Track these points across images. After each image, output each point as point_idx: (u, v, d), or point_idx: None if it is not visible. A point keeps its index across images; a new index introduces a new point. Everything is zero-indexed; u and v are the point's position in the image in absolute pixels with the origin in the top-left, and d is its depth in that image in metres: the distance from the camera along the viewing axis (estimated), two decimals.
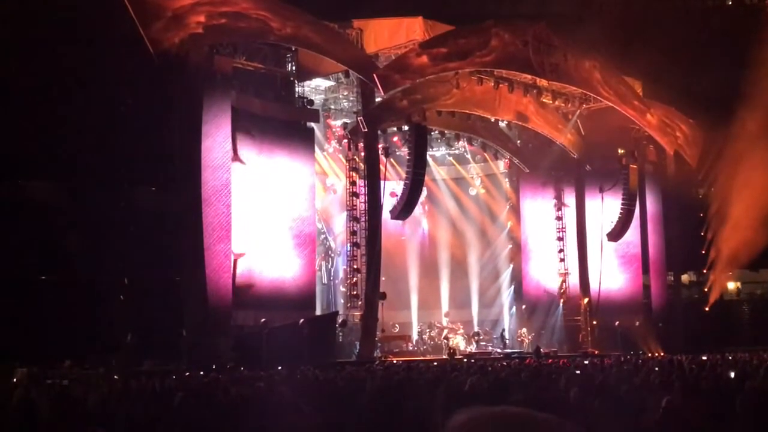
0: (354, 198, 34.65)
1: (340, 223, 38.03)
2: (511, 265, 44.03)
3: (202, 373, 21.61)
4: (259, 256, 31.05)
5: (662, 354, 35.94)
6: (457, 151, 44.39)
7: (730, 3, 54.35)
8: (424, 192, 37.99)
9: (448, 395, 11.46)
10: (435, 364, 25.94)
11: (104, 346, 28.73)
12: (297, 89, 33.94)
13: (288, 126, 33.05)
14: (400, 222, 36.93)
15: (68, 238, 31.59)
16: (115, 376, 20.35)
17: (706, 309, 45.81)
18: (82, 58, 29.55)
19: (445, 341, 38.35)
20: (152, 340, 28.83)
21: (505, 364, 24.73)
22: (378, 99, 34.15)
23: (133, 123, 30.72)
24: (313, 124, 34.62)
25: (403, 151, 36.67)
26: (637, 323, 40.62)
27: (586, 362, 24.86)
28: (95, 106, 30.78)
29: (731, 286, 52.02)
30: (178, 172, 30.26)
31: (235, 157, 30.06)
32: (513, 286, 43.90)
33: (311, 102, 34.69)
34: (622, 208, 39.54)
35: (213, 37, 29.28)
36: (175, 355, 28.19)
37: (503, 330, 41.70)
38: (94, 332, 29.19)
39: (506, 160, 43.85)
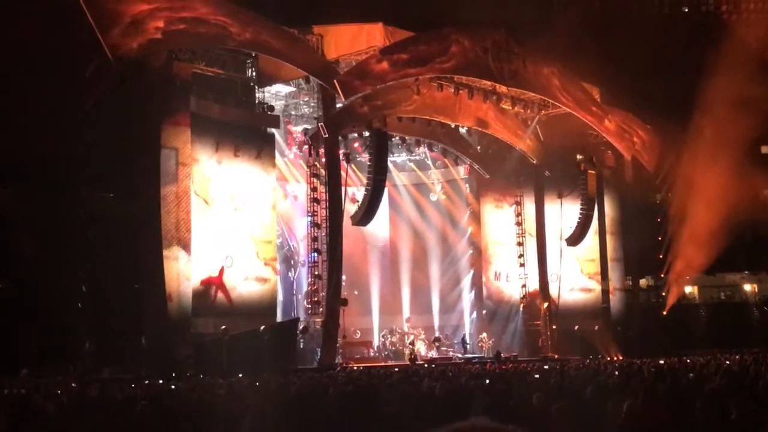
0: (315, 204, 34.51)
1: (301, 230, 37.82)
2: (472, 271, 44.12)
3: (161, 381, 21.45)
4: (219, 263, 30.87)
5: (621, 358, 36.25)
6: (417, 157, 44.49)
7: (687, 10, 55.17)
8: (386, 198, 37.98)
9: (410, 401, 11.46)
10: (396, 369, 25.92)
11: (62, 354, 28.39)
12: (257, 95, 33.75)
13: (248, 132, 32.86)
14: (361, 228, 36.87)
15: (24, 244, 31.16)
16: (73, 384, 20.11)
17: (664, 313, 46.33)
18: (40, 64, 29.17)
19: (411, 346, 38.35)
20: (111, 348, 28.54)
21: (465, 368, 24.78)
22: (339, 105, 34.12)
23: (91, 129, 30.37)
24: (273, 130, 34.49)
25: (364, 157, 36.63)
26: (596, 328, 41.01)
27: (546, 367, 24.98)
28: (52, 111, 30.38)
29: (688, 290, 52.66)
30: (136, 178, 30.00)
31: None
32: (474, 292, 44.00)
33: (272, 108, 34.50)
34: (580, 213, 39.88)
35: (172, 42, 29.09)
36: (134, 362, 27.93)
37: (464, 335, 41.83)
38: (52, 340, 28.81)
39: (466, 166, 43.96)
